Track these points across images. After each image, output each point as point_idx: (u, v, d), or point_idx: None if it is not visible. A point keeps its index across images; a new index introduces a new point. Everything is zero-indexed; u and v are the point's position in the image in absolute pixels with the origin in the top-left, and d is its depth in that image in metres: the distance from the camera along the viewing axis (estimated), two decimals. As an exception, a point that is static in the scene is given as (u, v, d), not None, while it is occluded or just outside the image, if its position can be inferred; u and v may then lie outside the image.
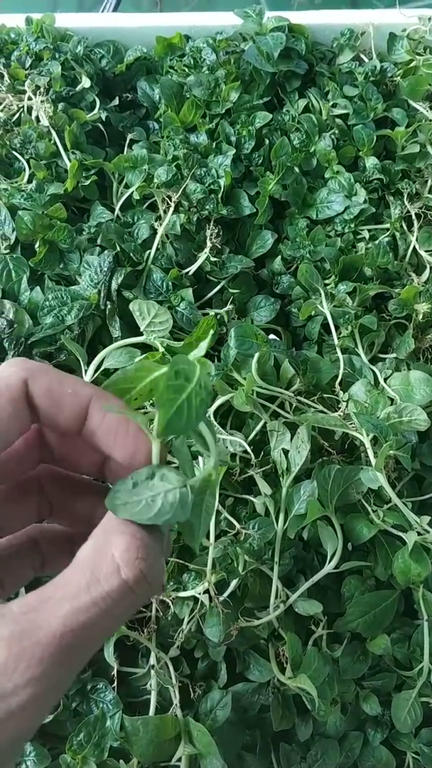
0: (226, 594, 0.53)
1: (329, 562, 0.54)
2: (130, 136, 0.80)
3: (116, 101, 0.82)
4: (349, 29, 0.83)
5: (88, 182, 0.72)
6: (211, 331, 0.28)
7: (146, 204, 0.72)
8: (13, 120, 0.77)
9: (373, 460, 0.55)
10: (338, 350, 0.65)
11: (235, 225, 0.75)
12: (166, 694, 0.54)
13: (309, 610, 0.54)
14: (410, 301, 0.67)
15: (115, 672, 0.54)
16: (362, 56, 0.85)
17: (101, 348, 0.58)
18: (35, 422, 0.29)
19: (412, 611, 0.60)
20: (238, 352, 0.59)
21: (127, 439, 0.29)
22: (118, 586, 0.25)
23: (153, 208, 0.72)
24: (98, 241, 0.67)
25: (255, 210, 0.73)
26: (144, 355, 0.57)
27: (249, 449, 0.57)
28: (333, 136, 0.77)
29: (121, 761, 0.50)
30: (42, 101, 0.75)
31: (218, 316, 0.67)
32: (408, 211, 0.74)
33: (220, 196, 0.70)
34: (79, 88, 0.79)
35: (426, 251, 0.73)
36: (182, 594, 0.55)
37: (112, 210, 0.72)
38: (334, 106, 0.80)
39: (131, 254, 0.66)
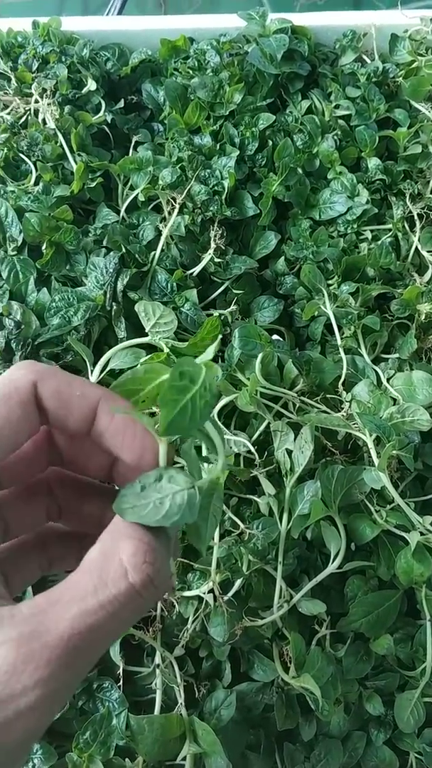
0: (230, 594, 0.54)
1: (332, 562, 0.54)
2: (135, 138, 0.80)
3: (121, 103, 0.82)
4: (351, 30, 0.83)
5: (93, 184, 0.72)
6: (219, 337, 0.28)
7: (151, 205, 0.73)
8: (20, 123, 0.78)
9: (376, 461, 0.55)
10: (341, 350, 0.65)
11: (238, 226, 0.75)
12: (171, 693, 0.54)
13: (312, 609, 0.54)
14: (413, 302, 0.67)
15: (120, 671, 0.54)
16: (364, 57, 0.85)
17: (107, 349, 0.59)
18: (44, 424, 0.30)
19: (414, 611, 0.60)
20: (242, 352, 0.59)
21: (134, 441, 0.29)
22: (125, 589, 0.25)
23: (158, 209, 0.72)
24: (104, 243, 0.68)
25: (258, 211, 0.73)
26: (149, 356, 0.58)
27: (253, 449, 0.58)
28: (336, 137, 0.77)
29: (127, 760, 0.50)
30: (48, 104, 0.76)
31: (222, 317, 0.67)
32: (410, 212, 0.74)
33: (223, 197, 0.71)
34: (84, 90, 0.80)
35: (428, 251, 0.73)
36: (187, 593, 0.55)
37: (118, 212, 0.72)
38: (337, 107, 0.80)
39: (136, 255, 0.66)
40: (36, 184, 0.73)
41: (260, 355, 0.57)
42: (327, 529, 0.55)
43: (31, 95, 0.78)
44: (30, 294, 0.66)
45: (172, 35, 0.84)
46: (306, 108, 0.80)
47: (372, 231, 0.74)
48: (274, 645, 0.55)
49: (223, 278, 0.69)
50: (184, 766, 0.50)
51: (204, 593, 0.54)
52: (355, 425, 0.58)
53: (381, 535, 0.56)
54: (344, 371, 0.64)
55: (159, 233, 0.68)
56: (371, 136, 0.77)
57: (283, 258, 0.73)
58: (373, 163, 0.77)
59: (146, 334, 0.59)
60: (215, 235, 0.68)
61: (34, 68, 0.81)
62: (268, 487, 0.57)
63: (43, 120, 0.77)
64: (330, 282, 0.69)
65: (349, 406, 0.61)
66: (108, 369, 0.58)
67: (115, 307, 0.64)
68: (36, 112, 0.78)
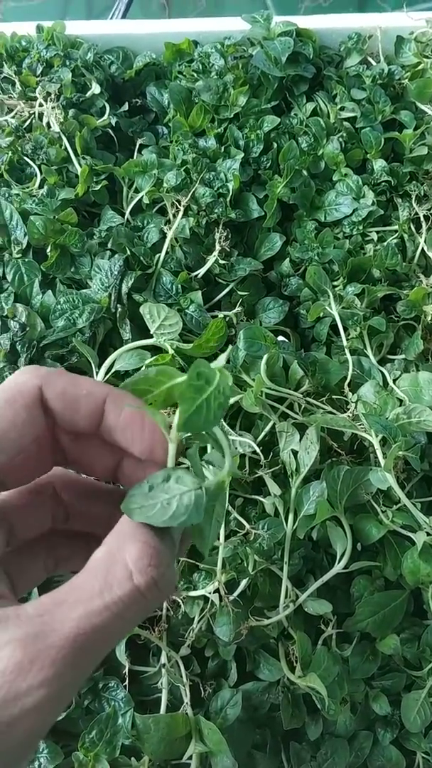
0: (236, 593, 0.54)
1: (338, 562, 0.54)
2: (139, 141, 0.81)
3: (126, 107, 0.83)
4: (356, 33, 0.83)
5: (98, 187, 0.73)
6: (229, 347, 0.29)
7: (156, 208, 0.73)
8: (24, 126, 0.78)
9: (382, 461, 0.55)
10: (347, 351, 0.65)
11: (243, 228, 0.75)
12: (177, 692, 0.54)
13: (318, 609, 0.54)
14: (419, 303, 0.67)
15: (126, 670, 0.54)
16: (370, 59, 0.85)
17: (112, 350, 0.59)
18: (52, 426, 0.30)
19: (421, 611, 0.60)
20: (247, 353, 0.59)
21: (144, 434, 0.29)
22: (129, 591, 0.26)
23: (162, 212, 0.72)
24: (109, 245, 0.68)
25: (263, 213, 0.73)
26: (154, 357, 0.58)
27: (258, 450, 0.58)
28: (341, 139, 0.78)
29: (133, 759, 0.51)
30: (53, 107, 0.76)
31: (227, 319, 0.67)
32: (416, 213, 0.74)
33: (228, 199, 0.71)
34: (89, 94, 0.80)
35: (434, 253, 0.73)
36: (193, 593, 0.55)
37: (122, 214, 0.73)
38: (342, 109, 0.80)
39: (141, 258, 0.66)
40: (41, 187, 0.73)
41: (265, 356, 0.58)
42: (333, 530, 0.55)
43: (35, 99, 0.78)
44: (35, 296, 0.66)
45: (176, 38, 0.84)
46: (311, 110, 0.80)
47: (378, 232, 0.74)
48: (280, 644, 0.55)
49: (228, 280, 0.70)
50: (189, 766, 0.50)
51: (210, 593, 0.54)
52: (361, 426, 0.58)
53: (387, 535, 0.56)
54: (350, 372, 0.64)
55: (164, 235, 0.69)
56: (377, 138, 0.77)
57: (288, 259, 0.73)
58: (378, 164, 0.77)
59: (151, 336, 0.59)
60: (220, 237, 0.68)
61: (39, 72, 0.82)
62: (273, 488, 0.57)
63: (48, 123, 0.77)
64: (335, 283, 0.69)
65: (355, 407, 0.61)
66: (113, 370, 0.58)
67: (119, 309, 0.64)
68: (40, 115, 0.78)
